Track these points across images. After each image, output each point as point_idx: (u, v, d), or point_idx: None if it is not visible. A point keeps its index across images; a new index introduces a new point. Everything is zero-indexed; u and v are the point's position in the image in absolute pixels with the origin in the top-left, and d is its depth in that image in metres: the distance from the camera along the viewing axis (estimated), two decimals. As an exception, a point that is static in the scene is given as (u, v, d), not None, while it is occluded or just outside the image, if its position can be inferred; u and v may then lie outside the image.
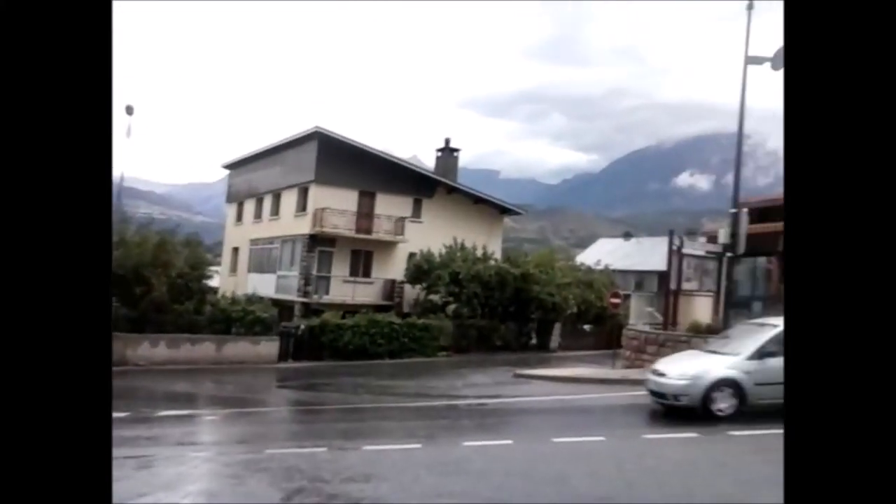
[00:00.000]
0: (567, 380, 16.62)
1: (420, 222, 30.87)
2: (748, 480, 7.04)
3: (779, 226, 19.35)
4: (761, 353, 10.47)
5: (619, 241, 53.56)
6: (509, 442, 9.16)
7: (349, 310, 26.28)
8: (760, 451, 8.26)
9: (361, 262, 29.99)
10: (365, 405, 14.34)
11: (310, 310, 27.22)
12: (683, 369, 10.82)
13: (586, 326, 31.57)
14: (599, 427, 9.83)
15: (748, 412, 10.18)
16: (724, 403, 10.21)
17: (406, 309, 28.56)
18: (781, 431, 9.46)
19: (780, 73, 14.66)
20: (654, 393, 11.14)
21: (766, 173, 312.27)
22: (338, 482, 7.05)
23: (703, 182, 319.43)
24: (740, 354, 10.62)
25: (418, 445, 8.93)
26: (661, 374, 11.00)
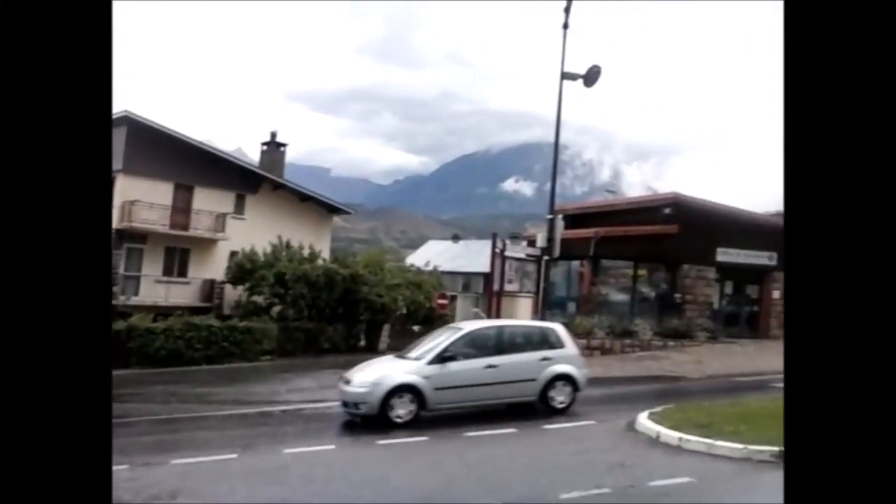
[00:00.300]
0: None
1: (243, 219, 29.41)
2: (560, 470, 7.45)
3: (590, 231, 21.02)
4: (442, 358, 10.41)
5: (448, 244, 55.05)
6: (331, 447, 8.93)
7: (162, 312, 24.30)
8: (570, 442, 8.81)
9: (177, 260, 27.93)
10: (177, 415, 13.30)
11: (116, 312, 24.85)
12: (366, 376, 10.48)
13: (415, 327, 31.97)
14: (424, 427, 9.92)
15: (429, 418, 10.28)
16: (402, 410, 10.03)
17: (227, 311, 27.01)
18: (589, 423, 10.09)
19: (594, 90, 15.87)
20: (342, 402, 10.75)
21: (583, 182, 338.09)
22: (140, 501, 6.43)
23: (527, 188, 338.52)
24: (422, 359, 10.53)
25: (234, 455, 8.43)
26: (348, 382, 10.59)
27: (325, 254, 30.02)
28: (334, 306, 27.28)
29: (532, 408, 10.95)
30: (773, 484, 6.82)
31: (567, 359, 11.18)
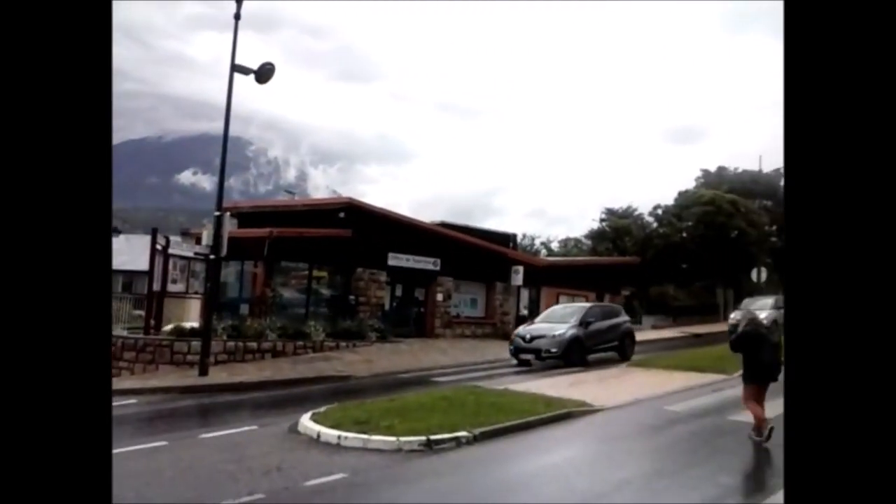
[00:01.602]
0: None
1: None
2: (211, 480, 7.03)
3: (264, 231, 20.57)
4: None
5: (107, 238, 48.99)
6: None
7: None
8: (227, 450, 8.38)
9: None
10: None
11: None
12: None
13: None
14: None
15: None
16: None
17: None
18: (251, 428, 9.67)
19: (267, 87, 15.51)
20: None
21: (267, 181, 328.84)
22: None
23: (206, 182, 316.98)
24: None
25: None
26: None
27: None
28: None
29: (191, 416, 10.20)
30: (418, 470, 7.39)
31: None
